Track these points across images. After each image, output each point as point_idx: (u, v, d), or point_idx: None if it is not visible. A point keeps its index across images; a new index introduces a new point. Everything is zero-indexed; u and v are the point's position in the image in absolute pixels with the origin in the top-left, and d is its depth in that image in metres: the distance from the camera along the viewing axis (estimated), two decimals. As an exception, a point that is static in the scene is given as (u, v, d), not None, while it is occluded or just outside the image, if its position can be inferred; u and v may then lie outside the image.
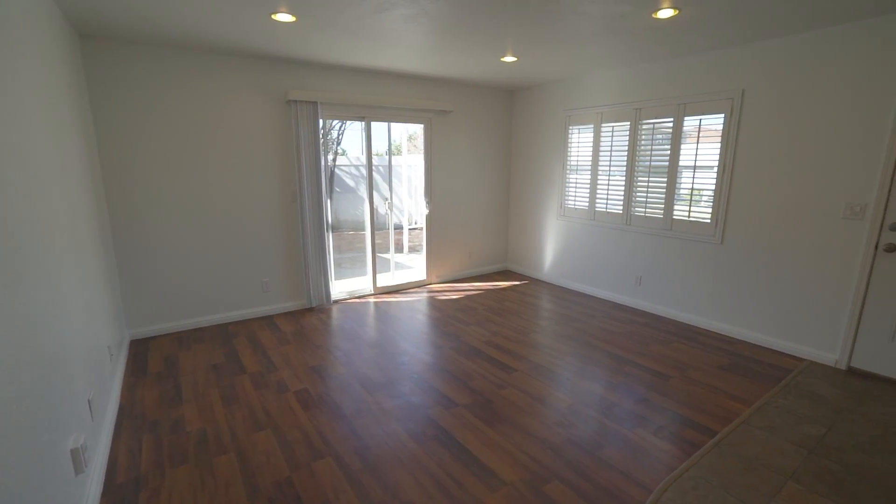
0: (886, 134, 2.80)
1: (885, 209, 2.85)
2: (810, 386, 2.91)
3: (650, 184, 4.15)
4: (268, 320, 4.11)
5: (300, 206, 4.17)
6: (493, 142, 5.54)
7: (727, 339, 3.66)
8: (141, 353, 3.39)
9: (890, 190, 2.82)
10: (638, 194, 4.27)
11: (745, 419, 2.53)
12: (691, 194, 3.93)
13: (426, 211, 5.18)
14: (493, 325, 4.00)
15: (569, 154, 4.92)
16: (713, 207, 3.74)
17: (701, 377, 3.03)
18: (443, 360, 3.28)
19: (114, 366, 2.85)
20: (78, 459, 1.73)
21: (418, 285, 5.28)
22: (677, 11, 2.67)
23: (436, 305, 4.56)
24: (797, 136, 3.20)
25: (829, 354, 3.19)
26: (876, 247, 2.91)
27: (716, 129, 3.67)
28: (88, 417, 2.02)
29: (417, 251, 6.49)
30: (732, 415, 2.59)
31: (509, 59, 3.86)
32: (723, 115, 3.58)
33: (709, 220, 3.78)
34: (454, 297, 4.85)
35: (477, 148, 5.41)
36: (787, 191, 3.29)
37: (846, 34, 2.91)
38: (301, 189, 4.13)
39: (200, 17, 2.78)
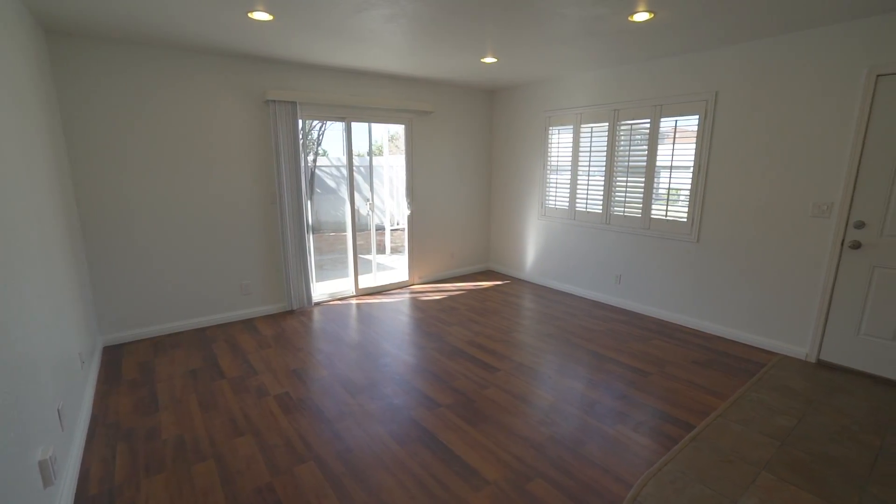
0: (850, 135, 2.91)
1: (850, 208, 2.96)
2: (782, 379, 3.01)
3: (629, 184, 4.22)
4: (247, 324, 4.04)
5: (280, 208, 4.11)
6: (474, 142, 5.56)
7: (704, 335, 3.75)
8: (114, 360, 3.29)
9: (854, 189, 2.93)
10: (617, 194, 4.34)
11: (721, 413, 2.60)
12: (668, 194, 4.02)
13: (408, 211, 5.17)
14: (475, 324, 4.01)
15: (549, 154, 4.97)
16: (689, 207, 3.83)
17: (679, 373, 3.10)
18: (425, 361, 3.28)
19: (85, 373, 2.76)
20: (47, 471, 1.67)
21: (400, 286, 5.26)
22: (652, 15, 2.72)
23: (418, 306, 4.55)
24: (768, 138, 3.30)
25: (800, 348, 3.30)
26: (842, 244, 3.02)
27: (691, 130, 3.76)
28: (58, 427, 1.95)
29: (400, 252, 6.46)
30: (709, 409, 2.65)
31: (489, 60, 3.88)
32: (697, 117, 3.67)
33: (685, 220, 3.87)
34: (437, 297, 4.85)
35: (458, 148, 5.42)
36: (759, 190, 3.39)
37: (813, 38, 3.01)
38: (280, 190, 4.07)
39: (174, 13, 2.72)
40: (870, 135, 2.84)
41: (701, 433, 2.41)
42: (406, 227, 5.25)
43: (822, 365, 3.20)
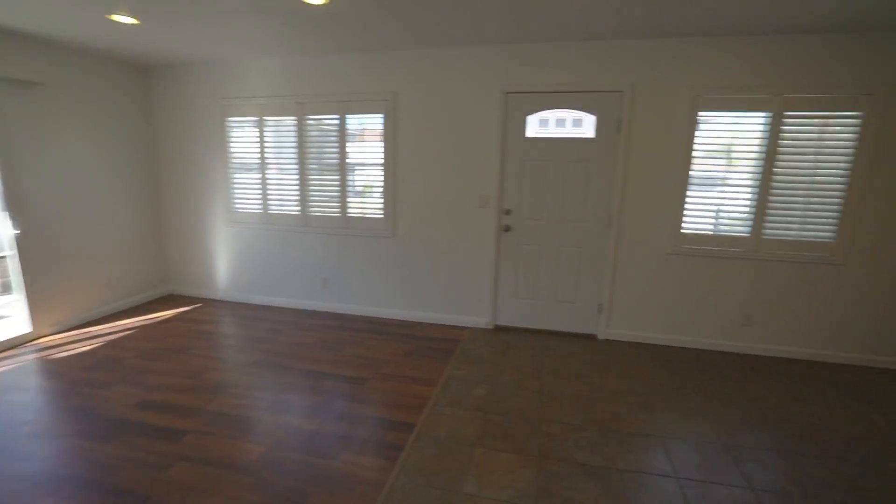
0: (497, 139, 3.53)
1: (501, 199, 3.63)
2: (474, 350, 3.44)
3: (324, 182, 4.02)
4: None
5: None
6: (128, 131, 4.18)
7: (410, 324, 3.97)
8: None
9: (502, 183, 3.60)
10: (312, 193, 4.08)
11: (434, 401, 2.71)
12: (364, 191, 4.03)
13: (13, 231, 3.43)
14: (150, 375, 2.99)
15: (231, 150, 4.23)
16: (384, 203, 3.93)
17: (393, 370, 3.11)
18: (59, 461, 2.15)
19: None
20: None
21: (15, 344, 3.48)
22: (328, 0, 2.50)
23: (50, 370, 3.07)
24: (441, 138, 3.69)
25: (483, 319, 3.90)
26: (498, 228, 3.68)
27: (380, 129, 3.84)
28: None
29: (8, 292, 4.31)
30: (424, 400, 2.72)
31: (124, 19, 2.87)
32: (383, 116, 3.77)
33: (382, 216, 3.96)
34: (85, 348, 3.42)
35: (102, 137, 3.95)
36: (439, 185, 3.77)
37: (466, 55, 3.50)
38: None
39: None
40: (507, 140, 3.52)
41: (421, 430, 2.41)
42: (15, 253, 3.48)
43: (499, 329, 3.87)
